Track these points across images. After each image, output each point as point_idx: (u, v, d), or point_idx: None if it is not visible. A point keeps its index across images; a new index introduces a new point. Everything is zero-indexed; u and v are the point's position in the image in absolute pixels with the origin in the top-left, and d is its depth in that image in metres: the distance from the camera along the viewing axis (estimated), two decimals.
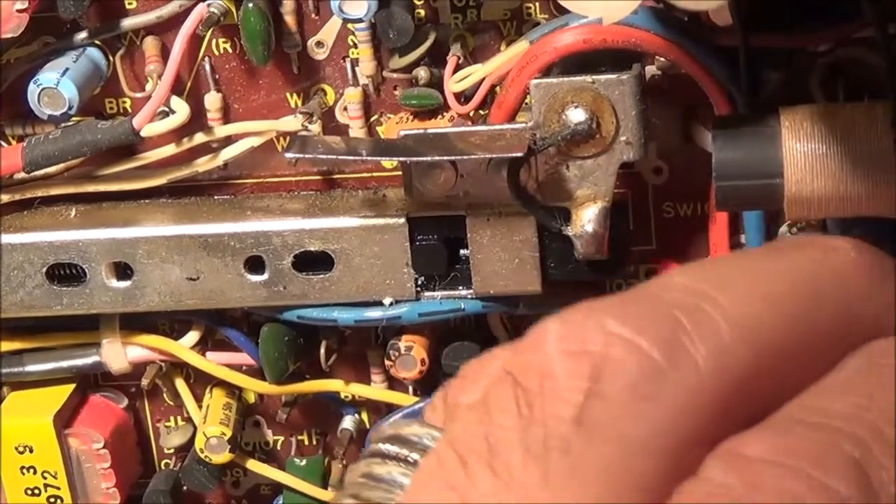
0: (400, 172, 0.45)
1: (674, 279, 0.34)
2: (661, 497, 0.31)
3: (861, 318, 0.35)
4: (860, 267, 0.35)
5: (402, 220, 0.46)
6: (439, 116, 0.47)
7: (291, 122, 0.47)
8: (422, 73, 0.46)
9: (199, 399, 0.52)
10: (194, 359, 0.50)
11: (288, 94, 0.48)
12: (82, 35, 0.47)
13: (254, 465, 0.52)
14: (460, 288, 0.46)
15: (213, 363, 0.50)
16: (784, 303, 0.33)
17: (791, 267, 0.35)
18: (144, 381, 0.51)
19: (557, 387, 0.31)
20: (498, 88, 0.45)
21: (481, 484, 0.30)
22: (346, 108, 0.48)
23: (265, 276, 0.47)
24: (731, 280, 0.34)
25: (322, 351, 0.50)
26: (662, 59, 0.44)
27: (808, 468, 0.30)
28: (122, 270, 0.48)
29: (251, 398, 0.52)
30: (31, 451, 0.50)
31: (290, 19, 0.47)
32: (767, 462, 0.31)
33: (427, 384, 0.49)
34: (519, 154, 0.42)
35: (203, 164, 0.48)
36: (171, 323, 0.50)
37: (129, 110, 0.48)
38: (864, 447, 0.31)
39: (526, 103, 0.43)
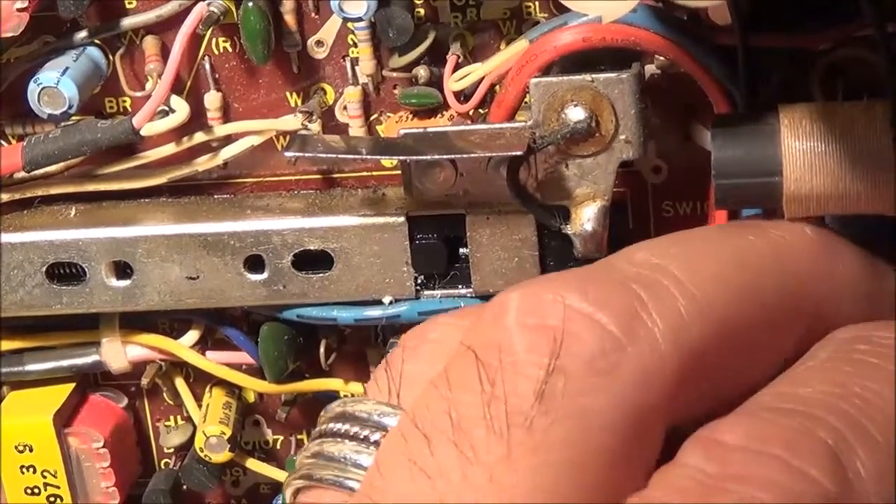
0: (399, 171, 0.45)
1: (634, 254, 0.34)
2: (624, 469, 0.31)
3: (815, 296, 0.35)
4: (814, 247, 0.36)
5: (402, 218, 0.46)
6: (439, 115, 0.47)
7: (291, 122, 0.47)
8: (421, 71, 0.46)
9: (198, 398, 0.52)
10: (194, 358, 0.50)
11: (288, 94, 0.48)
12: (82, 34, 0.47)
13: (253, 464, 0.52)
14: (460, 287, 0.46)
15: (212, 362, 0.50)
16: (740, 279, 0.34)
17: (748, 245, 0.35)
18: (144, 381, 0.51)
19: (518, 362, 0.31)
20: (497, 87, 0.45)
21: (446, 461, 0.30)
22: (345, 107, 0.48)
23: (265, 275, 0.47)
24: (689, 256, 0.34)
25: (322, 350, 0.50)
26: (662, 57, 0.44)
27: (784, 454, 0.31)
28: (122, 269, 0.48)
29: (251, 397, 0.52)
30: (30, 450, 0.50)
31: (289, 18, 0.47)
32: (744, 449, 0.31)
33: None
34: (518, 153, 0.42)
35: (203, 164, 0.48)
36: (170, 322, 0.50)
37: (129, 109, 0.48)
38: (838, 434, 0.31)
39: (525, 102, 0.43)
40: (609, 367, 0.31)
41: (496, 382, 0.30)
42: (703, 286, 0.33)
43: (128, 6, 0.47)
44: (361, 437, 0.32)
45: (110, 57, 0.48)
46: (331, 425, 0.33)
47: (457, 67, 0.46)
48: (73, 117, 0.47)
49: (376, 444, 0.32)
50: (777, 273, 0.35)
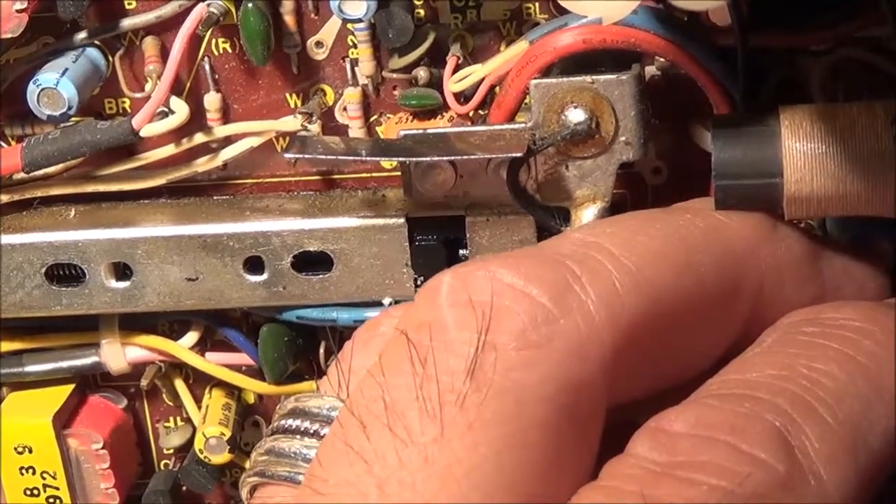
0: (399, 172, 0.45)
1: (568, 233, 0.35)
2: (564, 446, 0.31)
3: (755, 275, 0.35)
4: (751, 226, 0.36)
5: (402, 220, 0.46)
6: (439, 116, 0.47)
7: (291, 123, 0.47)
8: (421, 73, 0.46)
9: (198, 399, 0.52)
10: (193, 359, 0.50)
11: (287, 95, 0.48)
12: (82, 35, 0.47)
13: None
14: None
15: (212, 364, 0.50)
16: (676, 254, 0.34)
17: (684, 222, 0.35)
18: (144, 382, 0.51)
19: (448, 339, 0.31)
20: (497, 88, 0.45)
21: (381, 446, 0.30)
22: (345, 109, 0.48)
23: (264, 277, 0.47)
24: (625, 233, 0.34)
25: (321, 351, 0.50)
26: (662, 59, 0.44)
27: (731, 439, 0.31)
28: (122, 271, 0.48)
29: (250, 398, 0.52)
30: (30, 451, 0.50)
31: (289, 19, 0.47)
32: (691, 436, 0.31)
33: None
34: (518, 154, 0.42)
35: (202, 165, 0.48)
36: (170, 323, 0.50)
37: (129, 110, 0.48)
38: (785, 416, 0.31)
39: (525, 103, 0.43)
40: (541, 339, 0.31)
41: (427, 362, 0.30)
42: (638, 260, 0.33)
43: (127, 7, 0.47)
44: (312, 431, 0.33)
45: (110, 58, 0.48)
46: (283, 421, 0.33)
47: (457, 69, 0.46)
48: (73, 118, 0.47)
49: None
50: (713, 249, 0.35)
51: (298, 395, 0.34)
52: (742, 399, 0.32)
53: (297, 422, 0.33)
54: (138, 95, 0.48)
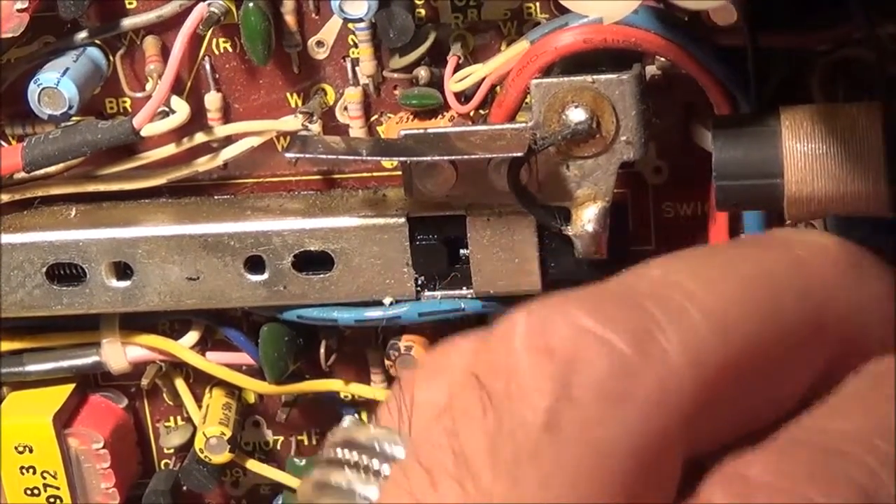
0: (400, 172, 0.45)
1: (647, 270, 0.32)
2: (634, 498, 0.30)
3: (840, 314, 0.33)
4: (837, 263, 0.34)
5: (402, 219, 0.46)
6: (439, 116, 0.47)
7: (291, 122, 0.47)
8: (422, 72, 0.46)
9: (198, 399, 0.52)
10: (194, 359, 0.50)
11: (288, 94, 0.48)
12: (82, 35, 0.47)
13: (253, 465, 0.52)
14: (461, 288, 0.46)
15: (212, 363, 0.50)
16: (759, 295, 0.32)
17: (766, 260, 0.34)
18: (144, 381, 0.51)
19: (525, 388, 0.29)
20: (498, 88, 0.45)
21: (449, 499, 0.29)
22: (346, 108, 0.48)
23: (265, 276, 0.47)
24: (706, 272, 0.32)
25: (322, 351, 0.50)
26: (663, 58, 0.44)
27: (813, 494, 0.29)
28: (122, 270, 0.48)
29: (251, 398, 0.52)
30: (30, 450, 0.50)
31: (290, 19, 0.47)
32: (770, 486, 0.29)
33: None
34: (519, 154, 0.42)
35: (203, 164, 0.48)
36: (170, 323, 0.50)
37: (129, 110, 0.48)
38: (869, 472, 0.30)
39: (526, 103, 0.43)
40: (622, 391, 0.29)
41: (502, 412, 0.29)
42: (721, 303, 0.31)
43: (128, 6, 0.47)
44: (369, 468, 0.31)
45: (111, 57, 0.48)
46: (336, 452, 0.32)
47: (457, 68, 0.46)
48: (74, 118, 0.47)
49: (385, 477, 0.31)
50: (798, 288, 0.33)
51: (350, 427, 0.32)
52: (825, 449, 0.30)
53: (353, 454, 0.32)
54: (139, 95, 0.48)
